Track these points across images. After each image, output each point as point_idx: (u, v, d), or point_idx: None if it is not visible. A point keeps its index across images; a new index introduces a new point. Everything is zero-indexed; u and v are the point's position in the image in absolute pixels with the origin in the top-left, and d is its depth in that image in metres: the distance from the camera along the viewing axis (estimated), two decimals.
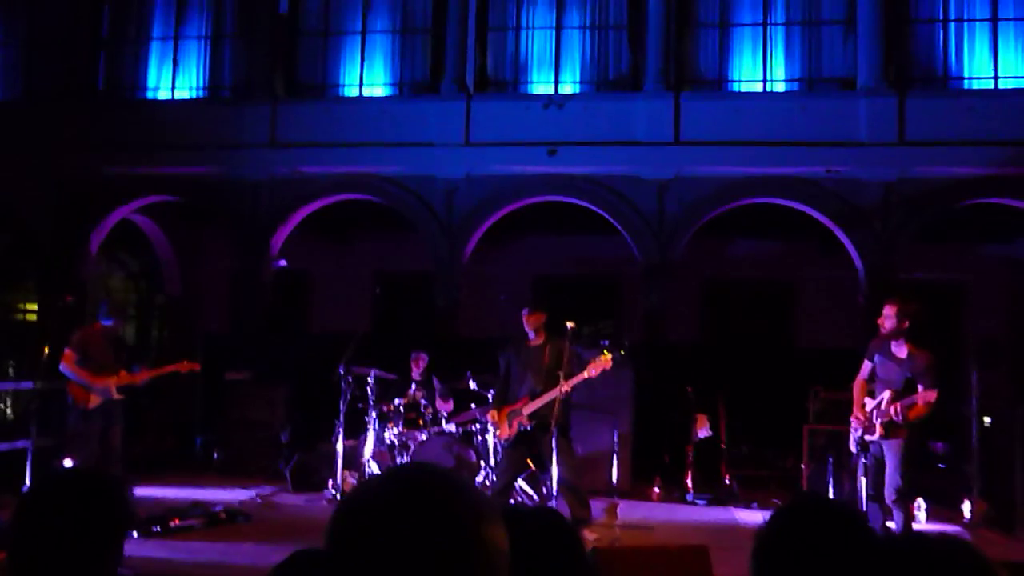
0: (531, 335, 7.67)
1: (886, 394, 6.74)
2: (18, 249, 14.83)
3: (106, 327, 8.17)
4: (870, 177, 11.86)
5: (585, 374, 7.25)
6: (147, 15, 14.15)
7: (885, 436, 6.73)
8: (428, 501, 1.12)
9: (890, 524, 6.93)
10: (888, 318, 6.88)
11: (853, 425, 7.00)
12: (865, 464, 6.83)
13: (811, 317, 13.94)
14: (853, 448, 6.98)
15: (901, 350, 6.86)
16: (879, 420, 6.75)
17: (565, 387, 7.16)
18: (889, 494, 6.70)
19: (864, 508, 6.74)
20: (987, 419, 9.32)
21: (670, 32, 12.57)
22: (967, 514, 8.68)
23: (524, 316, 7.69)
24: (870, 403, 6.90)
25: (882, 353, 6.96)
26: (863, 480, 6.80)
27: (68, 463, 7.57)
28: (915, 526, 7.92)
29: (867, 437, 6.83)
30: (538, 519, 1.80)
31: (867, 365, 7.11)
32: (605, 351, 7.43)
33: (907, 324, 6.84)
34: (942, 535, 1.38)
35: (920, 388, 6.68)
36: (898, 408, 6.61)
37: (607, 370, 7.35)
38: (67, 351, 7.93)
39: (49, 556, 1.84)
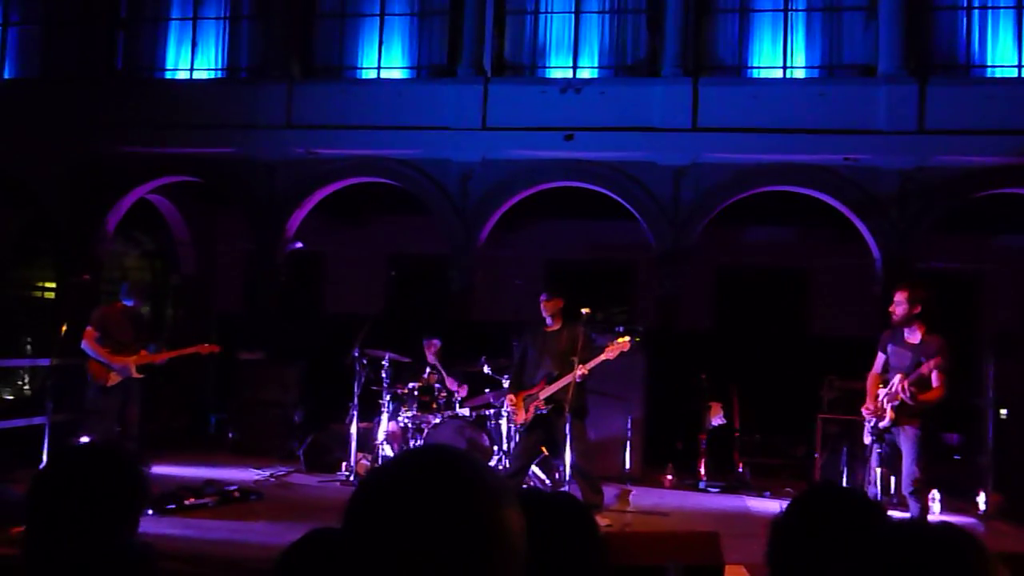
0: (548, 320, 7.72)
1: (897, 378, 6.62)
2: (36, 227, 14.92)
3: (127, 307, 8.29)
4: (888, 165, 11.77)
5: (603, 356, 7.32)
6: None
7: (896, 422, 6.60)
8: (447, 483, 1.12)
9: (905, 515, 6.89)
10: (899, 304, 6.76)
11: (866, 417, 6.89)
12: (880, 454, 6.75)
13: (826, 305, 13.88)
14: (867, 440, 6.89)
15: (914, 336, 6.73)
16: (889, 404, 6.62)
17: (582, 370, 7.23)
18: (906, 485, 6.60)
19: (877, 498, 6.71)
20: (1003, 411, 9.28)
21: (689, 17, 12.48)
22: (981, 506, 8.65)
23: (542, 301, 7.74)
24: (882, 392, 6.80)
25: (894, 342, 6.84)
26: (876, 470, 6.73)
27: (84, 439, 7.64)
28: (929, 518, 7.90)
29: (880, 424, 6.73)
30: (554, 504, 1.80)
31: (880, 358, 6.98)
32: (624, 334, 7.49)
33: (919, 309, 6.72)
34: (943, 524, 1.36)
35: (934, 374, 6.54)
36: (904, 385, 6.46)
37: (625, 352, 7.40)
38: (88, 329, 8.08)
39: (65, 530, 1.86)
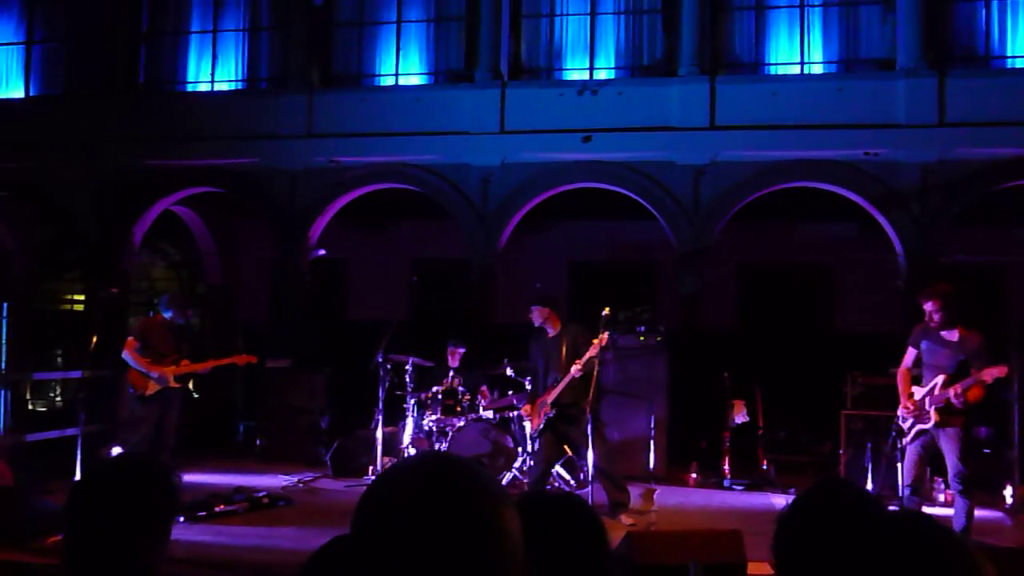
0: (548, 329, 7.92)
1: (939, 379, 6.53)
2: (64, 241, 15.17)
3: (167, 318, 8.47)
4: (909, 159, 11.72)
5: (588, 355, 7.47)
6: (185, 9, 14.35)
7: (940, 424, 6.50)
8: (446, 486, 1.18)
9: (948, 512, 6.86)
10: (934, 313, 6.64)
11: (902, 415, 6.77)
12: (918, 453, 6.64)
13: (849, 301, 13.84)
14: (908, 437, 6.79)
15: (952, 334, 6.63)
16: (932, 406, 6.51)
17: (572, 372, 7.47)
18: (954, 483, 6.53)
19: (901, 495, 6.68)
20: None
21: (705, 16, 12.48)
22: (1008, 499, 8.61)
23: (532, 311, 7.93)
24: (919, 391, 6.68)
25: (930, 339, 6.73)
26: (899, 467, 6.68)
27: (116, 450, 7.79)
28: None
29: (919, 426, 6.62)
30: (560, 506, 1.85)
31: (911, 352, 6.87)
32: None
33: (955, 311, 6.66)
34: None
35: (973, 371, 6.45)
36: (958, 390, 6.35)
37: (604, 346, 7.53)
38: (129, 339, 8.37)
39: (102, 539, 1.94)
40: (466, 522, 1.16)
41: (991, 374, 6.34)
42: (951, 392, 6.40)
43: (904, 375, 6.90)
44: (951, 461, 6.53)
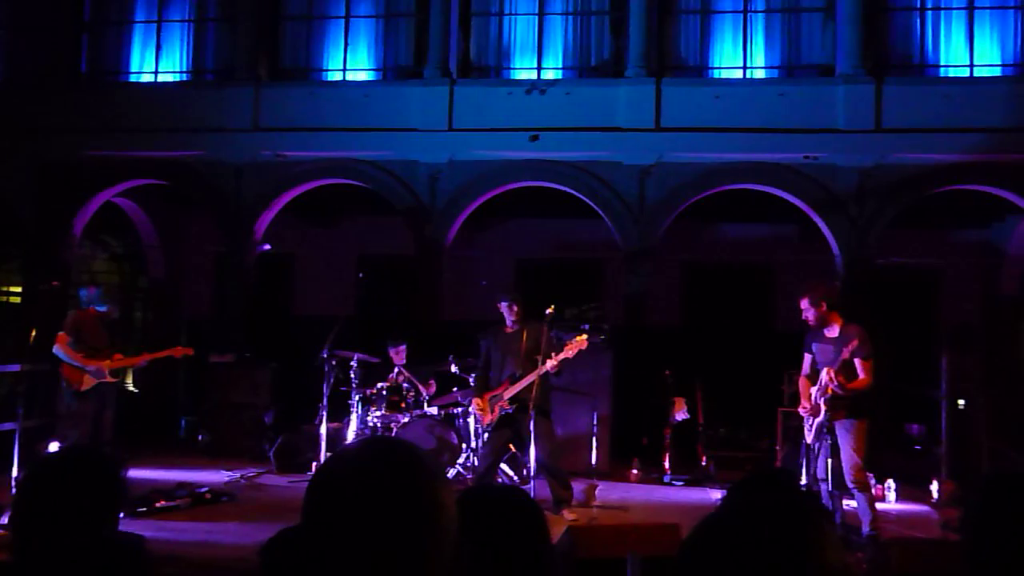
0: (508, 321, 7.96)
1: (824, 372, 6.77)
2: (2, 232, 14.84)
3: (100, 312, 8.32)
4: (847, 163, 12.02)
5: (563, 355, 7.52)
6: None
7: (833, 416, 6.73)
8: (388, 463, 1.29)
9: (850, 504, 7.08)
10: (806, 311, 6.97)
11: (803, 415, 7.05)
12: (827, 449, 6.82)
13: (789, 301, 14.01)
14: (810, 439, 7.01)
15: (832, 330, 6.92)
16: (821, 398, 6.77)
17: (546, 367, 7.43)
18: (848, 477, 6.75)
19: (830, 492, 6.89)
20: (961, 402, 9.55)
21: (652, 19, 12.65)
22: (935, 494, 8.91)
23: (505, 307, 7.95)
24: (814, 390, 6.95)
25: (817, 340, 7.03)
26: (826, 465, 6.86)
27: (56, 445, 7.69)
28: (883, 506, 8.15)
29: (817, 421, 6.86)
30: (504, 500, 1.92)
31: (807, 359, 7.16)
32: (582, 332, 7.70)
33: (825, 306, 6.93)
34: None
35: (857, 362, 6.70)
36: (831, 374, 6.60)
37: (583, 350, 7.61)
38: (61, 333, 8.10)
39: (50, 532, 1.97)
40: (404, 495, 1.26)
41: (847, 350, 6.59)
42: (826, 377, 6.65)
43: (805, 381, 7.17)
44: (845, 453, 6.77)
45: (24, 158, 13.47)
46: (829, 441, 6.84)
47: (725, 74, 12.82)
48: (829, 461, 6.82)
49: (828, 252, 12.42)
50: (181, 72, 13.97)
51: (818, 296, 6.91)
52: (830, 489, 6.81)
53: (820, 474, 6.88)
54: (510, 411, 7.75)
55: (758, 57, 12.75)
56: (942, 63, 12.46)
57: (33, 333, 8.87)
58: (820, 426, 6.86)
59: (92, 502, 2.00)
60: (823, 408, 6.77)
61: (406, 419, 9.26)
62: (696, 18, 12.97)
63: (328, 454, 9.22)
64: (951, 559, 3.50)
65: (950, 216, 13.56)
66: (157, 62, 13.95)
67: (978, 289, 14.05)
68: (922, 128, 11.81)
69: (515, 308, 7.97)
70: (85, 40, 14.19)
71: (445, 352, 9.71)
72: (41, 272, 12.95)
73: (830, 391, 6.68)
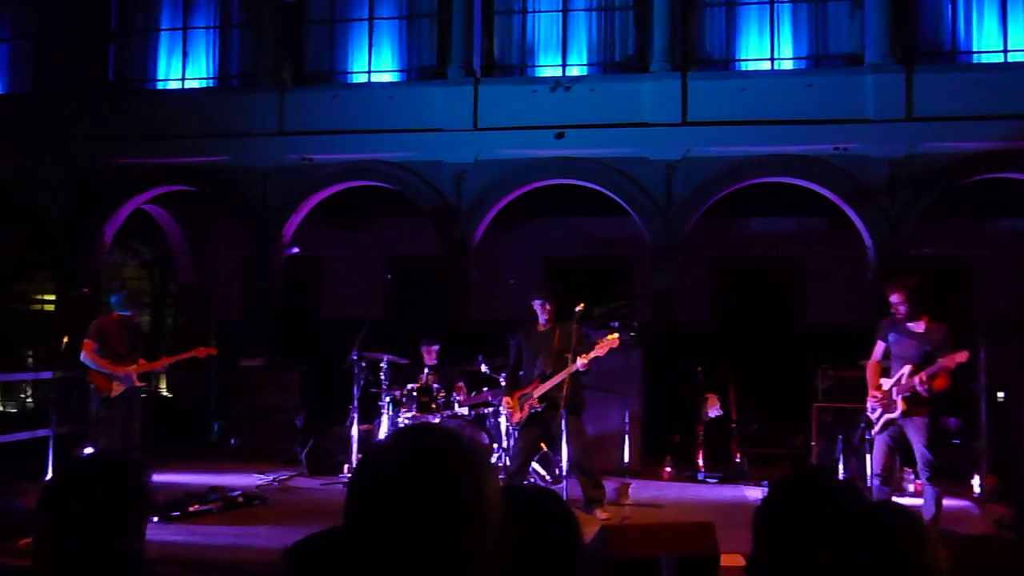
0: (541, 319, 7.88)
1: (906, 369, 6.61)
2: (34, 241, 15.01)
3: (123, 316, 8.33)
4: (878, 154, 11.85)
5: (594, 353, 7.45)
6: (155, 6, 14.24)
7: (907, 413, 6.59)
8: (429, 453, 1.24)
9: (919, 501, 6.94)
10: (899, 305, 6.75)
11: (871, 405, 6.86)
12: (887, 444, 6.73)
13: (820, 295, 13.97)
14: (876, 428, 6.88)
15: (918, 325, 6.73)
16: (900, 396, 6.61)
17: (577, 365, 7.37)
18: (923, 471, 6.62)
19: (870, 485, 6.77)
20: (1000, 394, 9.36)
21: (676, 12, 12.56)
22: (976, 489, 8.74)
23: (539, 305, 7.89)
24: (887, 382, 6.77)
25: (897, 331, 6.82)
26: (868, 458, 6.75)
27: (89, 450, 7.72)
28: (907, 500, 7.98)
29: (887, 416, 6.71)
30: (536, 500, 1.87)
31: (880, 346, 6.97)
32: (613, 331, 7.62)
33: (920, 302, 6.76)
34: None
35: (938, 360, 6.54)
36: (923, 377, 6.45)
37: (614, 348, 7.54)
38: (86, 341, 8.10)
39: (74, 540, 1.94)
40: (447, 484, 1.21)
41: (954, 359, 6.45)
42: (916, 380, 6.51)
43: (873, 367, 6.99)
44: (919, 450, 6.63)
45: (55, 167, 13.61)
46: (891, 437, 6.70)
47: (752, 66, 12.68)
48: (869, 456, 6.68)
49: (859, 244, 12.25)
50: (207, 78, 14.07)
51: (913, 290, 6.73)
52: (880, 485, 6.68)
53: (876, 469, 6.74)
54: (539, 410, 7.69)
55: (785, 48, 12.60)
56: (974, 49, 12.24)
57: (65, 340, 8.91)
58: (888, 421, 6.72)
59: (113, 510, 1.97)
60: (900, 406, 6.63)
61: (436, 420, 9.22)
62: (721, 10, 12.84)
63: (359, 456, 9.22)
64: (1001, 557, 3.39)
65: (984, 205, 13.32)
66: (184, 69, 14.06)
67: (1014, 279, 13.79)
68: (954, 116, 11.61)
69: (548, 306, 7.90)
70: (112, 49, 14.32)
71: (474, 352, 9.66)
72: (72, 280, 13.08)
73: (912, 392, 6.55)
